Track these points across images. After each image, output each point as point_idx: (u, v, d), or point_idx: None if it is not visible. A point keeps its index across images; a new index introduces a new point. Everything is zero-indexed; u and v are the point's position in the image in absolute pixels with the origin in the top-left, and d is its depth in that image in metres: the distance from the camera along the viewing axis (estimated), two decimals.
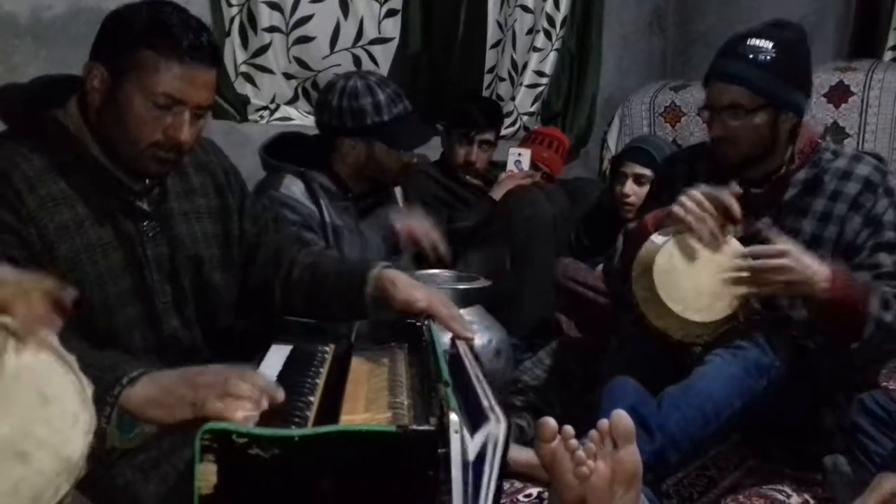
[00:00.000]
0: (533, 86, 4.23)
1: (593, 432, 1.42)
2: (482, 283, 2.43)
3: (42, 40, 2.43)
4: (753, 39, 1.97)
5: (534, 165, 3.38)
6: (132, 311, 1.51)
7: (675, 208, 1.88)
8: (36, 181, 1.42)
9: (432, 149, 3.19)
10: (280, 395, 1.18)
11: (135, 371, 1.20)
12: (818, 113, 3.85)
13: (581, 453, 1.38)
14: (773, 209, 2.03)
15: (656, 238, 1.90)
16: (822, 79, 3.86)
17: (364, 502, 1.09)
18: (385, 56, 3.38)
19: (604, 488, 1.39)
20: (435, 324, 1.56)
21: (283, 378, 1.32)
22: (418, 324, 1.59)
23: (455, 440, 1.06)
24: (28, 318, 0.95)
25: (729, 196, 1.88)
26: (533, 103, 4.25)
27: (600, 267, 2.82)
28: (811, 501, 1.99)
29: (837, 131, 3.85)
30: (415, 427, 1.09)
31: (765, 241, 1.89)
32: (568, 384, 2.51)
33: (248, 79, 3.10)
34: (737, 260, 1.85)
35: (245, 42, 3.05)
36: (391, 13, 3.37)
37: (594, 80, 4.48)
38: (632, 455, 1.41)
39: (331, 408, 1.22)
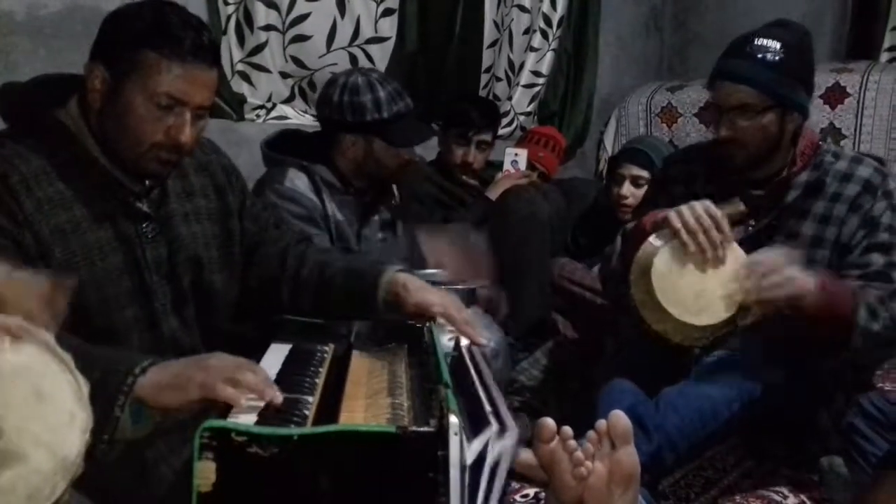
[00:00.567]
0: (529, 86, 4.23)
1: (591, 433, 1.42)
2: (481, 283, 2.43)
3: (39, 38, 2.42)
4: (760, 39, 1.96)
5: (530, 165, 3.37)
6: (130, 313, 1.51)
7: (671, 216, 1.85)
8: (33, 183, 1.41)
9: (429, 148, 3.18)
10: (278, 397, 1.19)
11: (146, 361, 1.22)
12: (814, 114, 3.82)
13: (579, 454, 1.38)
14: (775, 211, 2.03)
15: (654, 240, 1.89)
16: (819, 80, 3.82)
17: (362, 502, 1.09)
18: (381, 55, 3.37)
19: (602, 489, 1.39)
20: (436, 326, 1.56)
21: (282, 377, 1.33)
22: (418, 325, 1.59)
23: (454, 442, 1.06)
24: (25, 314, 0.95)
25: (724, 210, 1.86)
26: (529, 103, 4.25)
27: (597, 267, 2.83)
28: (808, 502, 1.99)
29: (833, 133, 3.85)
30: (414, 428, 1.09)
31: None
32: (564, 384, 2.52)
33: (245, 77, 3.09)
34: (736, 271, 1.83)
35: (241, 41, 3.04)
36: (388, 12, 3.37)
37: (591, 80, 4.48)
38: (629, 456, 1.41)
39: (330, 407, 1.22)
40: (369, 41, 3.32)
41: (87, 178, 1.47)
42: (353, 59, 3.27)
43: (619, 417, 1.41)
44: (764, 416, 1.94)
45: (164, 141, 1.45)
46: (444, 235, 2.49)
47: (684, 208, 1.85)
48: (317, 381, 1.33)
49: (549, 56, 4.29)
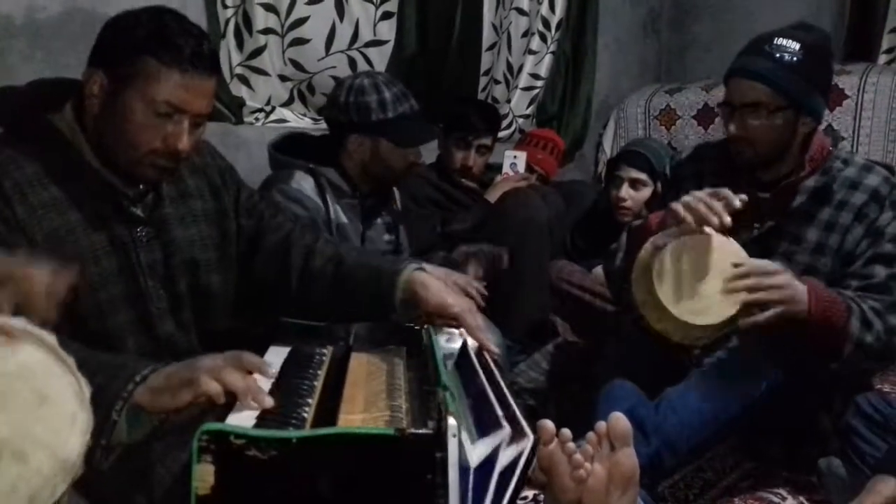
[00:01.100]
0: (528, 88, 4.24)
1: (590, 435, 1.42)
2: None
3: (37, 41, 2.42)
4: (780, 39, 1.95)
5: (528, 168, 3.37)
6: (124, 317, 1.51)
7: (674, 205, 1.86)
8: (27, 188, 1.41)
9: (428, 151, 3.18)
10: (272, 372, 1.24)
11: (146, 369, 1.23)
12: None
13: (578, 456, 1.38)
14: (780, 215, 2.02)
15: (657, 240, 1.89)
16: None
17: None
18: (380, 58, 3.38)
19: (601, 491, 1.39)
20: (434, 328, 1.56)
21: (280, 379, 1.32)
22: (417, 327, 1.59)
23: (452, 444, 1.06)
24: (31, 299, 0.96)
25: (728, 191, 1.87)
26: (528, 106, 4.25)
27: (596, 269, 2.83)
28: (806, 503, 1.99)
29: (832, 135, 3.85)
30: (413, 430, 1.09)
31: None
32: (563, 386, 2.51)
33: (244, 81, 3.09)
34: (734, 269, 1.83)
35: (240, 44, 3.04)
36: (387, 15, 3.37)
37: (589, 82, 4.48)
38: (629, 457, 1.41)
39: (329, 410, 1.22)
40: (368, 44, 3.32)
41: (81, 183, 1.47)
42: (352, 62, 3.28)
43: (619, 419, 1.41)
44: (763, 418, 1.94)
45: (162, 148, 1.46)
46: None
47: (685, 197, 1.86)
48: (315, 383, 1.33)
49: (548, 59, 4.29)
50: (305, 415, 1.19)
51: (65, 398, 0.97)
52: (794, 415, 2.00)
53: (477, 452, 1.11)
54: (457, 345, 1.50)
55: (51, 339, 0.98)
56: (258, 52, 3.07)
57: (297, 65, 3.16)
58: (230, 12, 2.99)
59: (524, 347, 2.79)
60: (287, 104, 3.22)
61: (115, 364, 1.25)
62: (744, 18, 4.27)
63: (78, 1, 2.49)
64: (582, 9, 4.35)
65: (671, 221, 1.88)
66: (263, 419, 1.15)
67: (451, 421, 1.07)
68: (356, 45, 3.29)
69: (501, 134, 3.73)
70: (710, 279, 1.84)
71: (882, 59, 4.39)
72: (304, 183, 2.25)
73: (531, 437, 1.17)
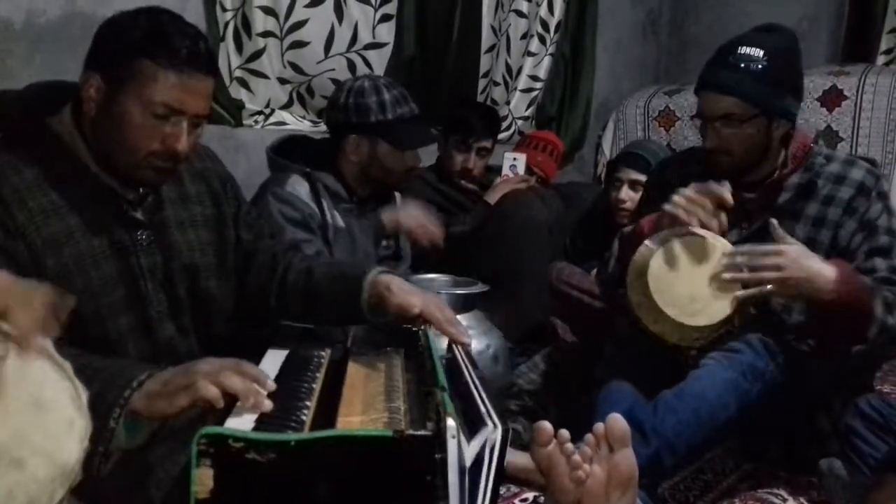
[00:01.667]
0: (527, 90, 4.24)
1: (589, 436, 1.42)
2: (480, 287, 2.43)
3: (36, 45, 2.42)
4: (744, 48, 1.96)
5: (528, 169, 3.37)
6: (125, 321, 1.51)
7: (667, 206, 1.89)
8: (26, 194, 1.40)
9: (428, 154, 3.19)
10: (270, 384, 1.22)
11: (143, 374, 1.23)
12: (811, 117, 3.86)
13: (577, 457, 1.38)
14: (767, 214, 2.02)
15: (650, 242, 1.90)
16: (816, 83, 3.87)
17: None
18: (380, 61, 3.37)
19: (600, 492, 1.39)
20: (432, 329, 1.56)
21: (279, 382, 1.32)
22: (415, 329, 1.59)
23: (452, 445, 1.07)
24: (26, 324, 0.95)
25: (718, 186, 1.88)
26: (527, 108, 4.26)
27: (595, 271, 2.83)
28: None
29: (831, 135, 3.86)
30: (412, 432, 1.09)
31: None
32: (563, 388, 2.51)
33: (243, 83, 3.09)
34: (727, 259, 1.84)
35: (239, 47, 3.04)
36: (385, 18, 3.37)
37: (588, 84, 4.49)
38: (627, 459, 1.41)
39: (327, 412, 1.22)
40: (367, 47, 3.32)
41: (80, 187, 1.46)
42: (352, 64, 3.28)
43: (617, 420, 1.41)
44: (762, 419, 1.95)
45: (161, 150, 1.45)
46: (403, 207, 2.52)
47: (675, 196, 1.88)
48: (314, 386, 1.33)
49: (547, 60, 4.29)
50: (304, 417, 1.19)
51: (62, 404, 0.96)
52: (792, 416, 2.01)
53: (470, 451, 1.11)
54: (444, 344, 1.51)
55: (48, 344, 0.98)
56: (257, 54, 3.07)
57: (296, 67, 3.16)
58: (229, 15, 2.99)
59: (524, 349, 2.79)
60: (286, 107, 3.22)
61: (112, 371, 1.24)
62: (741, 19, 4.25)
63: (78, 5, 2.49)
64: (581, 10, 4.35)
65: (666, 223, 1.90)
66: (262, 422, 1.15)
67: (451, 422, 1.07)
68: (355, 48, 3.29)
69: (501, 136, 3.74)
70: (705, 280, 1.85)
71: (881, 59, 4.39)
72: (298, 187, 2.25)
73: (501, 427, 1.17)
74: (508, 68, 4.07)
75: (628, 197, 2.94)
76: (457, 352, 1.49)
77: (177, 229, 1.60)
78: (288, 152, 2.36)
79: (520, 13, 4.03)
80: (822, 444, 2.02)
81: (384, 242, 2.46)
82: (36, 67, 2.40)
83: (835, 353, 2.00)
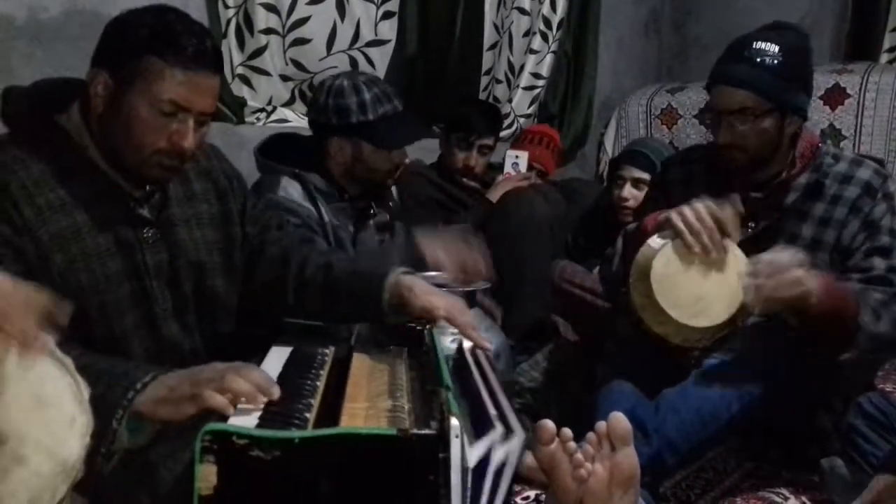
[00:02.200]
0: (530, 88, 4.24)
1: (591, 435, 1.42)
2: (482, 285, 2.43)
3: (38, 42, 2.42)
4: (759, 42, 1.95)
5: (528, 165, 3.37)
6: (131, 318, 1.51)
7: (673, 216, 1.86)
8: (33, 190, 1.41)
9: (429, 151, 3.19)
10: (276, 391, 1.22)
11: (147, 377, 1.24)
12: (814, 115, 3.84)
13: (579, 456, 1.38)
14: (774, 213, 2.02)
15: (654, 242, 1.89)
16: (818, 81, 3.85)
17: None
18: (382, 58, 3.38)
19: (602, 491, 1.39)
20: (437, 328, 1.56)
21: (283, 380, 1.33)
22: (419, 328, 1.59)
23: (455, 445, 1.06)
24: (25, 329, 0.95)
25: (726, 211, 1.87)
26: (530, 105, 4.25)
27: (597, 269, 2.82)
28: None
29: (833, 134, 3.85)
30: (415, 431, 1.09)
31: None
32: (564, 386, 2.51)
33: (245, 81, 3.09)
34: (739, 275, 1.80)
35: (242, 44, 3.04)
36: (388, 15, 3.37)
37: (591, 82, 4.48)
38: (629, 458, 1.41)
39: (331, 410, 1.23)
40: (369, 44, 3.32)
41: (87, 184, 1.47)
42: (354, 62, 3.28)
43: (619, 419, 1.41)
44: (764, 418, 1.94)
45: (167, 147, 1.45)
46: (443, 237, 2.48)
47: (686, 208, 1.85)
48: (318, 383, 1.33)
49: (549, 58, 4.29)
50: (308, 415, 1.19)
51: (64, 401, 0.97)
52: (794, 415, 2.00)
53: (475, 453, 1.11)
54: (453, 344, 1.51)
55: (49, 341, 0.98)
56: (259, 52, 3.07)
57: (298, 65, 3.16)
58: (231, 12, 2.99)
59: (526, 347, 2.79)
60: (288, 104, 3.22)
61: (116, 372, 1.25)
62: (745, 17, 4.24)
63: (79, 1, 2.49)
64: (583, 8, 4.34)
65: (668, 227, 1.89)
66: (266, 419, 1.15)
67: (454, 421, 1.07)
68: (357, 45, 3.29)
69: (503, 133, 3.73)
70: (708, 281, 1.84)
71: (884, 57, 4.38)
72: (290, 189, 2.21)
73: (521, 434, 1.17)
74: (511, 66, 4.06)
75: (631, 195, 2.94)
76: (468, 353, 1.48)
77: (183, 227, 1.60)
78: (275, 152, 2.32)
79: (522, 10, 4.02)
80: (824, 442, 2.02)
81: (376, 238, 2.43)
82: (37, 64, 2.40)
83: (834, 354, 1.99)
